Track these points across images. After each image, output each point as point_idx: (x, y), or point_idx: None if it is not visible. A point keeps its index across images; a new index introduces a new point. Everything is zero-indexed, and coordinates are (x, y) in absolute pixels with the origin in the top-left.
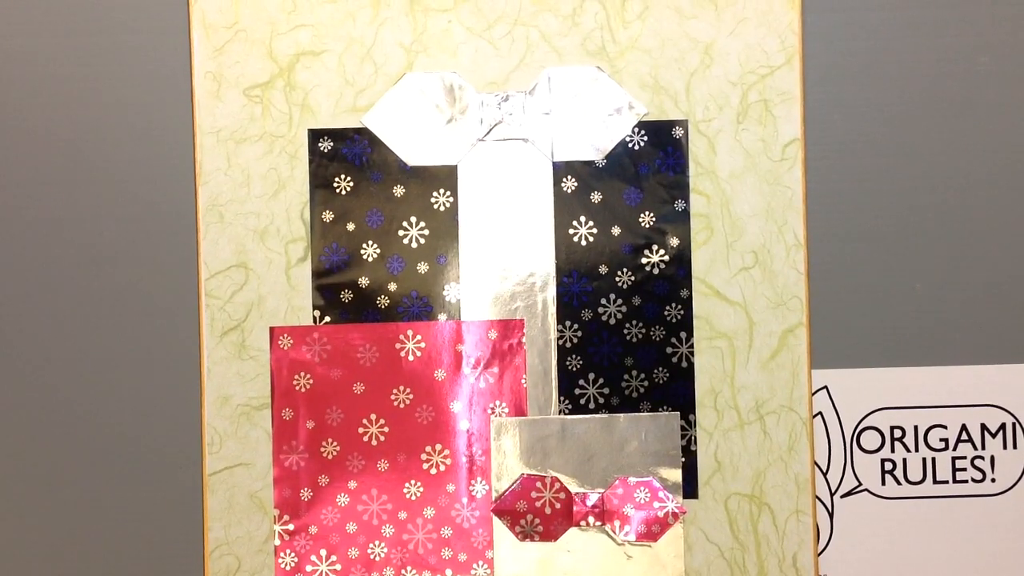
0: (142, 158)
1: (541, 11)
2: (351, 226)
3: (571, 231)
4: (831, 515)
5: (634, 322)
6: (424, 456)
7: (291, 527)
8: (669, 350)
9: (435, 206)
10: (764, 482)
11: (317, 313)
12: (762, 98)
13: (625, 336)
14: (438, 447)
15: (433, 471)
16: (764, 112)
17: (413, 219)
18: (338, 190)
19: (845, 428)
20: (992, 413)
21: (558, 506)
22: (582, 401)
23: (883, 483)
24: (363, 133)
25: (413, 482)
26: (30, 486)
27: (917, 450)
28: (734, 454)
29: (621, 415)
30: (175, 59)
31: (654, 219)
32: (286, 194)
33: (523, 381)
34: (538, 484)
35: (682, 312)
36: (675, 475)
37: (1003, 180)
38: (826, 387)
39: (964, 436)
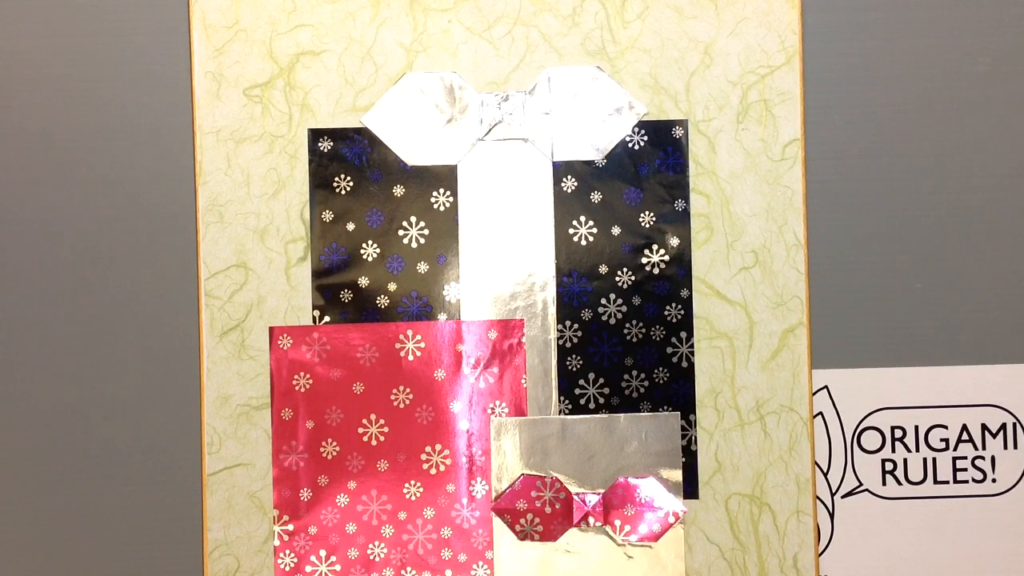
0: (142, 158)
1: (541, 11)
2: (351, 226)
3: (571, 231)
4: (832, 515)
5: (634, 322)
6: (424, 456)
7: (291, 527)
8: (669, 350)
9: (435, 206)
10: (765, 482)
11: (317, 313)
12: (762, 98)
13: (625, 336)
14: (438, 447)
15: (433, 471)
16: (764, 112)
17: (413, 219)
18: (338, 190)
19: (845, 428)
20: (992, 413)
21: (558, 506)
22: (582, 401)
23: (884, 483)
24: (363, 133)
25: (413, 482)
26: (30, 486)
27: (918, 450)
28: (734, 454)
29: (621, 415)
30: (175, 59)
31: (654, 219)
32: (286, 194)
33: (523, 381)
34: (538, 484)
35: (682, 312)
36: (675, 475)
37: (1003, 180)
38: (826, 387)
39: (965, 436)
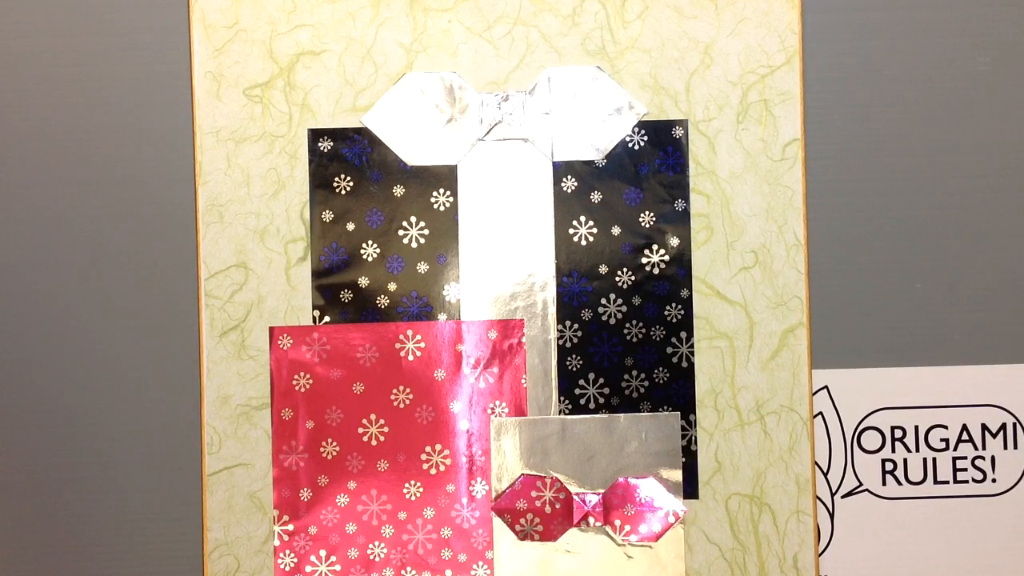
0: (142, 158)
1: (541, 11)
2: (351, 226)
3: (571, 231)
4: (832, 515)
5: (634, 322)
6: (424, 456)
7: (291, 527)
8: (669, 350)
9: (435, 206)
10: (764, 482)
11: (317, 313)
12: (762, 98)
13: (625, 336)
14: (438, 447)
15: (433, 471)
16: (764, 112)
17: (413, 219)
18: (338, 190)
19: (846, 428)
20: (992, 413)
21: (558, 506)
22: (582, 401)
23: (884, 483)
24: (363, 133)
25: (413, 482)
26: (30, 486)
27: (918, 450)
28: (734, 454)
29: (621, 415)
30: (175, 59)
31: (654, 219)
32: (286, 194)
33: (523, 381)
34: (538, 484)
35: (682, 312)
36: (675, 475)
37: (1003, 180)
38: (826, 387)
39: (965, 436)
